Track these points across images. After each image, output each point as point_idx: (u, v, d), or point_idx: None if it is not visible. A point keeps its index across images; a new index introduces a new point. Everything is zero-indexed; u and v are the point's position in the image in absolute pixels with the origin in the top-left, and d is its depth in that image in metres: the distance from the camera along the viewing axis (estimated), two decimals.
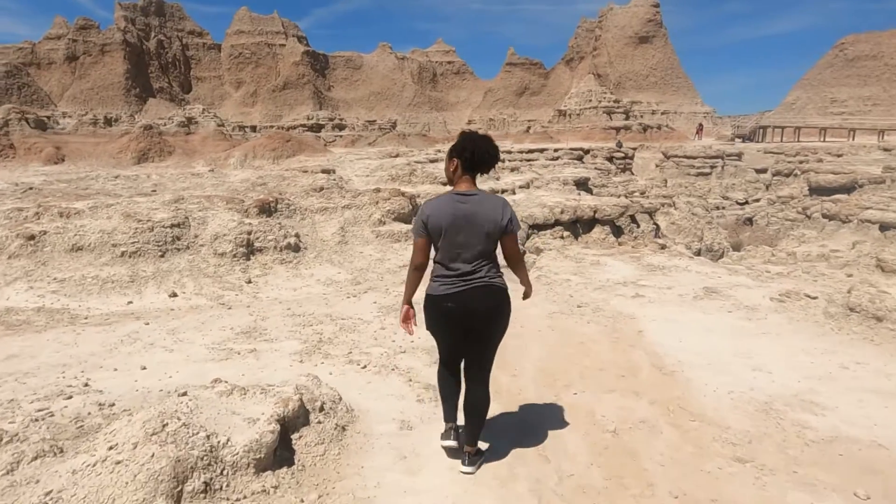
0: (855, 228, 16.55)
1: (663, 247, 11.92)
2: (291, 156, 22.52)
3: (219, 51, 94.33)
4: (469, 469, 3.25)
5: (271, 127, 72.30)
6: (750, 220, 30.44)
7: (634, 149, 48.75)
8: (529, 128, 55.04)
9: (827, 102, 73.77)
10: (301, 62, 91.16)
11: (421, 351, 5.29)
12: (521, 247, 3.58)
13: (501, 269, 3.25)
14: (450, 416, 3.46)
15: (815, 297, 6.47)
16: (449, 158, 3.23)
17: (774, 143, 51.24)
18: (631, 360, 5.20)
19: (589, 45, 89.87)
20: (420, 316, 3.37)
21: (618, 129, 53.90)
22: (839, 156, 37.47)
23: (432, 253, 3.23)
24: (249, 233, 9.04)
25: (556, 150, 46.35)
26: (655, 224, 19.82)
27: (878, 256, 8.04)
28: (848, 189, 25.16)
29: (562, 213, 17.41)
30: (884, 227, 15.93)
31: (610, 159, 44.60)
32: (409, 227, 11.22)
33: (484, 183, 21.29)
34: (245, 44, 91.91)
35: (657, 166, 44.27)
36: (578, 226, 18.35)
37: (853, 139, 57.07)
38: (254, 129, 62.85)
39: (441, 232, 3.09)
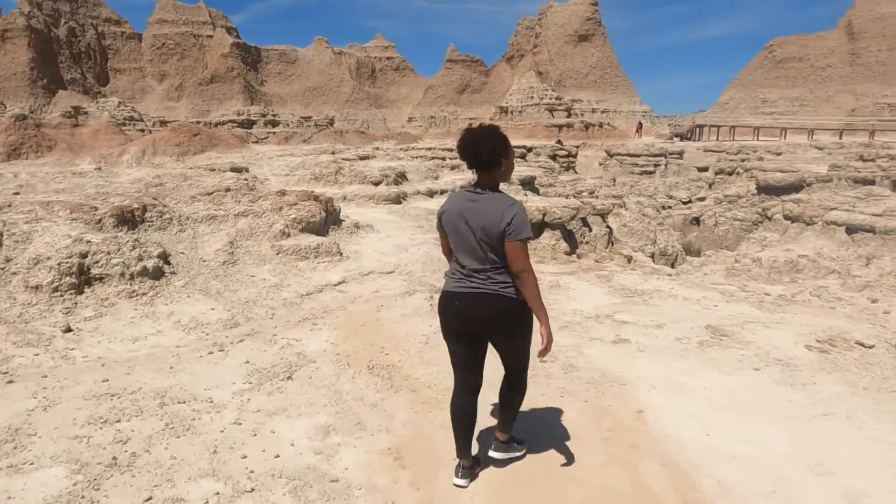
0: (820, 231, 15.35)
1: (629, 259, 10.08)
2: (200, 152, 19.61)
3: (139, 41, 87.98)
4: (498, 455, 3.18)
5: (198, 122, 67.68)
6: (697, 220, 29.59)
7: (577, 147, 47.85)
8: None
9: (758, 102, 75.87)
10: (230, 54, 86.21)
11: (284, 485, 3.01)
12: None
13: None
14: (462, 450, 3.08)
15: (871, 346, 4.61)
16: None
17: (713, 142, 51.54)
18: (640, 480, 3.12)
19: (529, 42, 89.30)
20: None
21: (560, 127, 52.93)
22: (778, 154, 37.52)
23: None
24: (85, 254, 6.47)
25: None
26: (608, 227, 18.19)
27: None
28: (796, 188, 24.50)
29: None
30: (850, 229, 14.77)
31: (553, 157, 43.39)
32: (321, 239, 8.89)
33: (421, 182, 19.11)
34: (168, 34, 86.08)
35: (601, 164, 43.40)
36: None
37: (785, 138, 58.38)
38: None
39: (450, 228, 2.96)
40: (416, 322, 6.07)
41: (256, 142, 52.55)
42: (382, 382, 4.46)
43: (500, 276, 2.85)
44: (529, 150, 45.76)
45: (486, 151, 2.85)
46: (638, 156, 40.94)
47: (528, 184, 21.40)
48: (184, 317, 6.14)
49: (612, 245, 19.02)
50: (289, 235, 8.71)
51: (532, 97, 54.59)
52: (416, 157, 37.39)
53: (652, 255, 19.75)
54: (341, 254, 8.69)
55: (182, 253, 7.87)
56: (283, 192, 9.71)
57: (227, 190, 11.89)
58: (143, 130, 46.64)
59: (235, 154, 19.77)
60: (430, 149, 45.95)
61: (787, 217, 16.36)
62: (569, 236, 17.54)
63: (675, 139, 59.43)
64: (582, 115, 65.34)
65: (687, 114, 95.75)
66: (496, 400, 3.34)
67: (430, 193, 17.65)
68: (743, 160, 35.16)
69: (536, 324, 2.92)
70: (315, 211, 9.22)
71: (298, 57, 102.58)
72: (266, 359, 4.96)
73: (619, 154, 42.50)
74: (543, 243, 16.59)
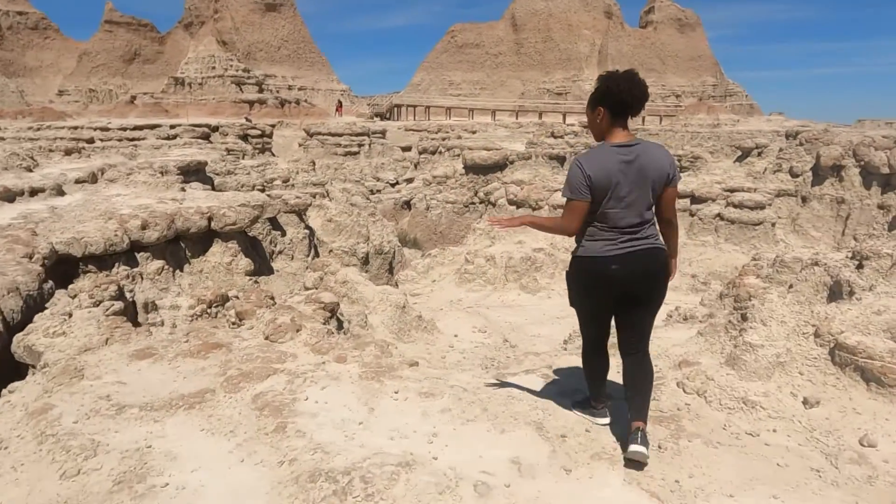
0: (547, 216, 13.37)
1: (384, 347, 5.67)
2: None
3: None
4: (642, 448, 2.71)
5: None
6: (408, 204, 27.29)
7: (273, 126, 42.30)
8: (135, 98, 42.92)
9: (446, 84, 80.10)
10: None
11: None
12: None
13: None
14: (601, 396, 3.24)
15: None
16: (592, 109, 2.90)
17: (412, 121, 51.44)
18: None
19: (209, 7, 78.64)
20: None
21: (251, 103, 46.42)
22: (473, 132, 38.09)
23: None
24: None
25: (172, 127, 36.55)
26: (308, 228, 13.74)
27: (836, 339, 3.36)
28: (501, 166, 23.70)
29: (144, 228, 9.66)
30: None
31: (244, 138, 37.14)
32: None
33: None
34: None
35: (301, 145, 38.79)
36: (183, 246, 10.89)
37: (472, 118, 62.15)
38: None
39: (607, 190, 2.75)
40: None
41: None
42: None
43: (651, 230, 2.86)
44: (215, 129, 38.64)
45: (641, 96, 2.78)
46: (340, 135, 37.49)
47: (195, 172, 15.52)
48: None
49: (316, 250, 14.68)
50: None
51: (214, 68, 46.65)
52: (44, 139, 27.37)
53: (366, 255, 16.03)
54: None
55: None
56: None
57: None
58: None
59: None
60: (74, 128, 35.22)
61: (511, 202, 14.08)
62: (253, 246, 12.55)
63: (375, 118, 58.14)
64: (278, 91, 59.53)
65: (385, 94, 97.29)
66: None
67: (10, 196, 10.64)
68: (444, 139, 34.45)
69: None
70: None
71: None
72: None
73: (321, 133, 38.45)
74: (213, 262, 11.32)
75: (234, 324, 5.35)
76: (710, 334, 4.17)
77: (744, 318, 3.97)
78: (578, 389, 3.60)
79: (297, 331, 4.48)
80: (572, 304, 3.11)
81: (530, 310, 10.53)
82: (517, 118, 59.69)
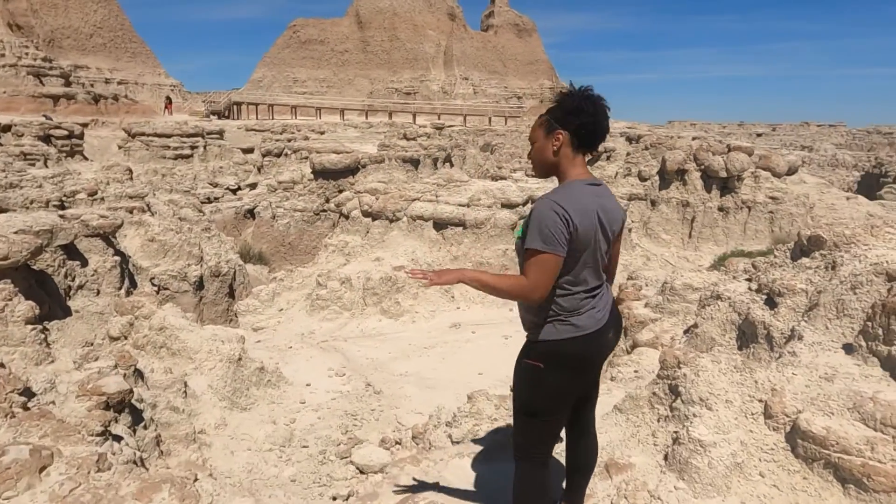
0: (407, 229, 12.37)
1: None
2: None
3: None
4: None
5: None
6: (251, 212, 24.83)
7: (85, 125, 36.65)
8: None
9: (290, 82, 76.07)
10: None
11: None
12: None
13: None
14: None
15: None
16: (548, 132, 2.26)
17: (254, 120, 47.78)
18: None
19: None
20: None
21: (56, 98, 39.86)
22: (322, 133, 36.13)
23: None
24: None
25: None
26: (118, 253, 11.29)
27: (796, 423, 2.55)
28: (353, 170, 22.27)
29: None
30: (438, 224, 12.19)
31: (46, 139, 31.58)
32: None
33: None
34: None
35: (121, 148, 33.97)
36: None
37: (320, 117, 59.50)
38: None
39: (589, 242, 2.17)
40: None
41: None
42: None
43: (608, 286, 2.38)
44: (6, 128, 32.48)
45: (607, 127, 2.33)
46: (169, 136, 33.32)
47: None
48: None
49: (132, 279, 12.22)
50: None
51: (3, 55, 39.36)
52: None
53: (200, 279, 13.80)
54: None
55: None
56: None
57: None
58: None
59: None
60: None
61: (366, 214, 12.81)
62: (41, 283, 9.97)
63: (212, 117, 53.22)
64: (92, 85, 52.32)
65: (223, 90, 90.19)
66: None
67: None
68: (290, 140, 32.12)
69: None
70: None
71: None
72: None
73: (145, 134, 33.90)
74: None
75: None
76: (631, 411, 3.29)
77: (673, 390, 3.13)
78: None
79: (42, 469, 2.84)
80: (536, 410, 2.25)
81: (393, 340, 9.32)
82: (367, 118, 58.16)
